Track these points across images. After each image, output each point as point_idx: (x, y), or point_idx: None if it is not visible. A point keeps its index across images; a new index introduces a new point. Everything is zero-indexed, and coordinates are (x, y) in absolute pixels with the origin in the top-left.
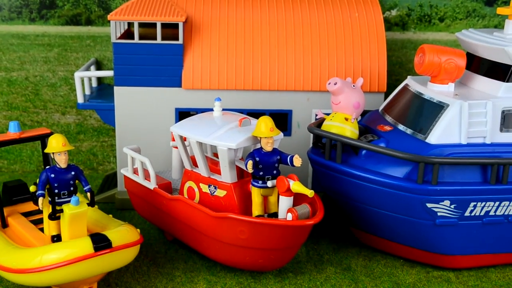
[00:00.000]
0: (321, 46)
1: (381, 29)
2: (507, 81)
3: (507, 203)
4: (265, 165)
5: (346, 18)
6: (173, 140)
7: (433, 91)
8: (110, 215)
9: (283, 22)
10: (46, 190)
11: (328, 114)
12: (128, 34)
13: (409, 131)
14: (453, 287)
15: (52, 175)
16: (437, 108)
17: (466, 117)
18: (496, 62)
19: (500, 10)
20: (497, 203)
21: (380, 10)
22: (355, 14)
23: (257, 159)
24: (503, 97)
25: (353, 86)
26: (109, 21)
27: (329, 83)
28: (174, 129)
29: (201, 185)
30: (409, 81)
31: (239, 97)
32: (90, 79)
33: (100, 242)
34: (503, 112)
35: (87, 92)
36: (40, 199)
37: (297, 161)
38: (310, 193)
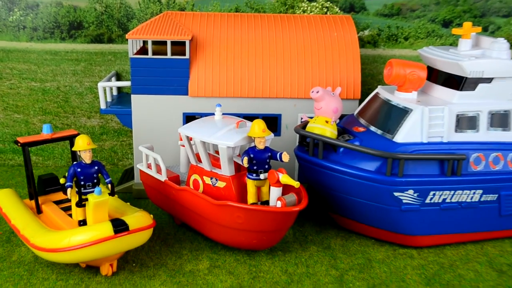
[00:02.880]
0: (305, 61)
1: (356, 46)
2: (461, 90)
3: (460, 192)
4: (258, 160)
5: (326, 37)
6: (181, 139)
7: (400, 98)
8: (128, 203)
9: (274, 40)
10: (73, 182)
11: (311, 118)
12: (143, 50)
13: (379, 131)
14: (415, 262)
15: (79, 170)
16: (403, 113)
17: (427, 120)
18: (452, 74)
19: (455, 31)
20: (452, 192)
21: (355, 31)
22: (334, 34)
23: (252, 155)
24: (457, 103)
25: (333, 94)
26: (127, 40)
27: (312, 92)
28: (182, 130)
29: (205, 177)
30: (379, 90)
31: (236, 103)
32: (111, 88)
33: (119, 226)
34: (457, 115)
35: (109, 99)
36: (69, 190)
37: (285, 157)
38: (296, 184)
